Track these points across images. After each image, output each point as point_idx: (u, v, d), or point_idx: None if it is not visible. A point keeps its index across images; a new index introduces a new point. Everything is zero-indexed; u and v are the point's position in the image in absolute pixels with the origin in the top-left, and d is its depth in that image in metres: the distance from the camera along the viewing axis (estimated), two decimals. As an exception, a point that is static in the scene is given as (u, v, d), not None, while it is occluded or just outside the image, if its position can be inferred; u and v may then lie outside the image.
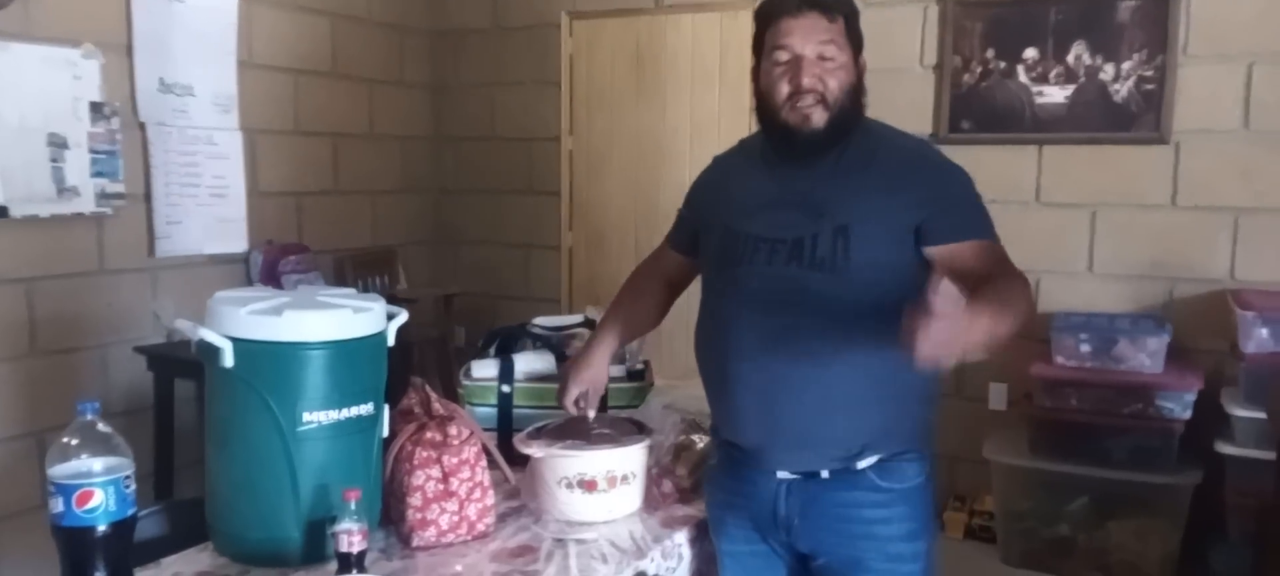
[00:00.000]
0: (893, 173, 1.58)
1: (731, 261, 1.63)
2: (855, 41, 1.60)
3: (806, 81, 1.54)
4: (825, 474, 1.59)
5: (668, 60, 4.28)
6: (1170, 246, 3.47)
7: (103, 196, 3.30)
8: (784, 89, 1.57)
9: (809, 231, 1.56)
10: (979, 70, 3.67)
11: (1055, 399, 3.31)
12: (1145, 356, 3.22)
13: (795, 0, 1.56)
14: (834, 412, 1.56)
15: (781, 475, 1.61)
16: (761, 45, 1.62)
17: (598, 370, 1.85)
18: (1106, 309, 3.53)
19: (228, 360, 1.45)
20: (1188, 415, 3.14)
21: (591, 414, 1.81)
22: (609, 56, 4.44)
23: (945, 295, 1.28)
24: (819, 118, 1.56)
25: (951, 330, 1.28)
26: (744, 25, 3.95)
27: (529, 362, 2.09)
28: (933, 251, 1.55)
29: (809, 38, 1.55)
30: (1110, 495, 3.25)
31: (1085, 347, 3.29)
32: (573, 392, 1.83)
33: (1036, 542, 3.37)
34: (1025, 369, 3.37)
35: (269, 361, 1.46)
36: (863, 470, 1.58)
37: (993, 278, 1.49)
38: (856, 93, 1.60)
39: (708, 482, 1.78)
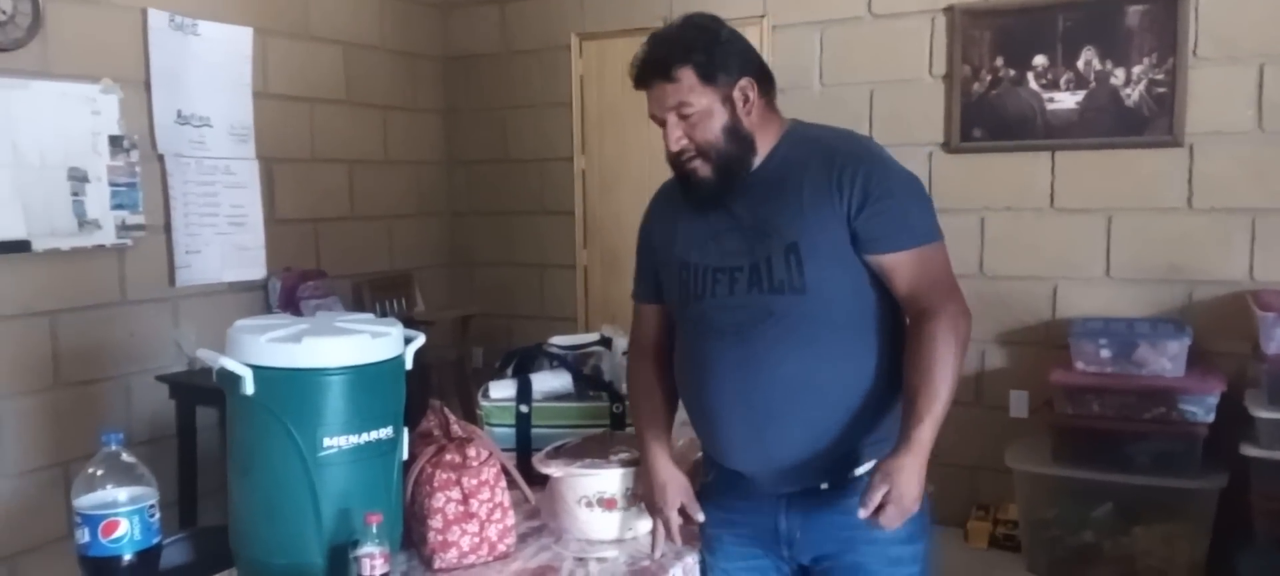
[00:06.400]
0: (825, 178, 1.54)
1: (695, 296, 1.62)
2: (714, 77, 1.54)
3: (673, 146, 1.57)
4: (824, 486, 1.61)
5: (678, 78, 4.29)
6: (1187, 249, 3.45)
7: (123, 228, 3.35)
8: (666, 151, 1.59)
9: (762, 255, 1.55)
10: (989, 78, 3.67)
11: (1077, 405, 3.29)
12: (1166, 360, 3.19)
13: (636, 76, 1.59)
14: (822, 430, 1.57)
15: (781, 491, 1.63)
16: None
17: (672, 477, 1.67)
18: (1125, 314, 3.51)
19: (248, 388, 1.46)
20: (1211, 419, 3.12)
21: (699, 516, 1.66)
22: (619, 76, 4.42)
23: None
24: (704, 169, 1.57)
25: (904, 502, 1.46)
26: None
27: (546, 382, 2.10)
28: (867, 260, 1.54)
29: (662, 103, 1.56)
30: (1135, 501, 3.23)
31: (1105, 353, 3.27)
32: (672, 515, 1.66)
33: (1062, 550, 3.34)
34: (1046, 375, 3.36)
35: (289, 388, 1.47)
36: (860, 476, 1.59)
37: (915, 341, 1.51)
38: (734, 130, 1.56)
39: (704, 501, 1.71)
